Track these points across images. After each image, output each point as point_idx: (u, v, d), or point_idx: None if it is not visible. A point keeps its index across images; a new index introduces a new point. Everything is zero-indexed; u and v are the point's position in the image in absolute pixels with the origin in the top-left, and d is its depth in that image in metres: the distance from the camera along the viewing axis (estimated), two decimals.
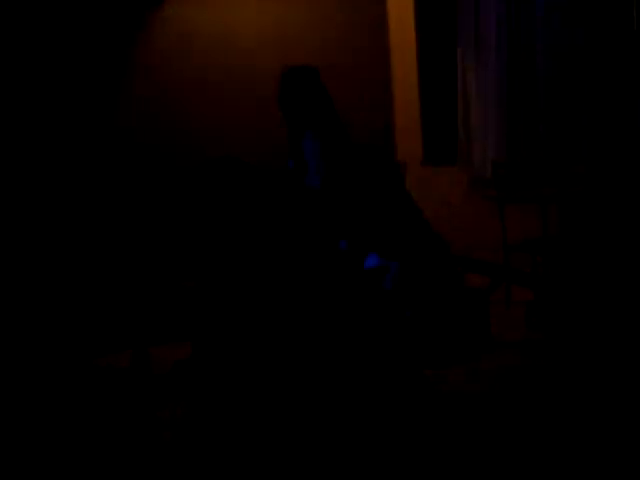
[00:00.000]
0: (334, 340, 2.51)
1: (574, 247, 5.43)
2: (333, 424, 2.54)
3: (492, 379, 4.14)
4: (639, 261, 5.06)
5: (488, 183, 5.93)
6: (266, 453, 2.47)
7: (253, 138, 6.37)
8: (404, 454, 2.90)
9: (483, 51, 6.50)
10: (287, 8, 6.79)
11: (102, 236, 5.80)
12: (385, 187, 3.31)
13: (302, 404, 2.50)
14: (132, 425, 3.67)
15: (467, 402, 3.80)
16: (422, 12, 6.86)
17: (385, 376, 2.61)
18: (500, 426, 3.56)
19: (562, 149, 6.12)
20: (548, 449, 3.32)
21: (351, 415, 2.60)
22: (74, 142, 6.23)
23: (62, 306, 5.03)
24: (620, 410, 3.63)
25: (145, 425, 3.68)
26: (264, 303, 2.54)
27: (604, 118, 5.88)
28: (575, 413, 3.66)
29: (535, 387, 4.00)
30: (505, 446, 3.36)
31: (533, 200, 5.65)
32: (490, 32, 6.44)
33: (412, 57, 6.86)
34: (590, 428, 3.49)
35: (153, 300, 4.80)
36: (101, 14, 6.31)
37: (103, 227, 5.87)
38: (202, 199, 2.97)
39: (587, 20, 5.91)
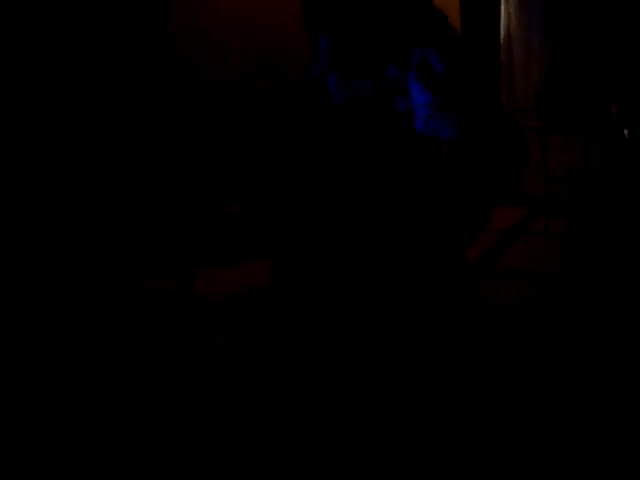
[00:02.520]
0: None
1: (615, 179, 5.37)
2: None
3: (529, 311, 4.15)
4: None
5: (531, 113, 5.86)
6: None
7: None
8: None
9: None
10: None
11: (147, 162, 5.83)
12: None
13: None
14: (177, 346, 3.74)
15: (505, 334, 3.81)
16: None
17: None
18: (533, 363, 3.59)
19: (604, 79, 6.02)
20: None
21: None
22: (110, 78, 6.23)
23: (105, 230, 5.09)
24: None
25: (192, 346, 3.74)
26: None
27: None
28: (609, 352, 3.66)
29: (566, 319, 4.01)
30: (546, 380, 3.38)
31: (575, 131, 5.58)
32: None
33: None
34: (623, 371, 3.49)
35: (196, 224, 4.84)
36: None
37: (147, 155, 5.89)
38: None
39: None
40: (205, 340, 3.80)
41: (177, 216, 4.88)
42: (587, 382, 3.32)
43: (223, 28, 6.62)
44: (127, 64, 6.22)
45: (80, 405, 3.26)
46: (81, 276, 4.63)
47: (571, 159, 5.55)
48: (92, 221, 5.08)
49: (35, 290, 4.38)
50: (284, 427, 2.18)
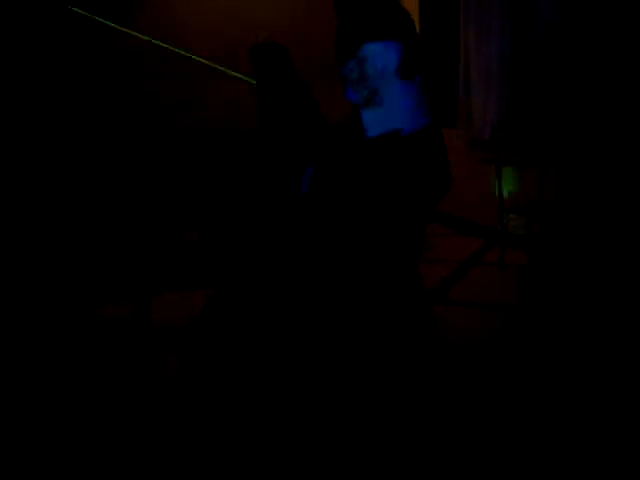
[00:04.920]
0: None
1: (570, 211, 5.48)
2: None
3: (481, 341, 4.20)
4: (635, 226, 5.11)
5: (487, 145, 5.96)
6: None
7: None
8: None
9: (486, 14, 6.49)
10: None
11: (103, 185, 5.82)
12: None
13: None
14: (133, 375, 3.73)
15: (457, 363, 3.85)
16: None
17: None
18: (487, 387, 3.63)
19: (562, 113, 6.14)
20: (533, 414, 3.39)
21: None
22: (78, 92, 6.24)
23: (62, 255, 5.07)
24: (608, 379, 3.69)
25: (147, 375, 3.74)
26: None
27: (605, 85, 5.89)
28: (562, 379, 3.72)
29: (524, 351, 4.06)
30: (489, 411, 3.42)
31: (531, 164, 5.69)
32: None
33: (414, 18, 6.84)
34: (576, 396, 3.55)
35: (154, 251, 4.84)
36: None
37: (104, 178, 5.88)
38: None
39: None
40: (158, 366, 3.80)
41: (134, 242, 4.88)
42: (530, 408, 3.38)
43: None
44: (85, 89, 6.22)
45: (33, 432, 3.24)
46: (37, 302, 4.60)
47: (526, 191, 5.65)
48: (48, 247, 5.06)
49: None
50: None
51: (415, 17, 6.80)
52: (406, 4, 6.79)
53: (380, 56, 2.93)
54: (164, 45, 6.40)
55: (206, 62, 6.49)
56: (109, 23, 6.18)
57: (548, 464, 2.97)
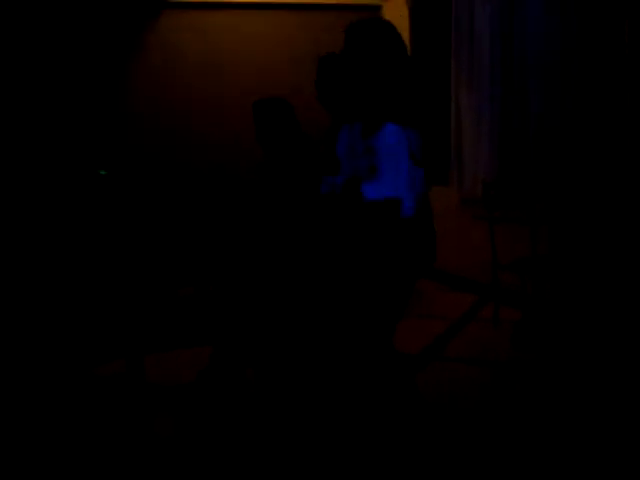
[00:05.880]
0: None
1: (563, 267, 5.49)
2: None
3: (476, 397, 4.18)
4: (629, 281, 5.13)
5: (479, 203, 5.99)
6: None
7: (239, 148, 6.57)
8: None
9: (476, 72, 6.58)
10: (276, 29, 6.93)
11: (97, 243, 5.82)
12: None
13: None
14: (127, 433, 3.70)
15: (450, 419, 3.83)
16: (416, 34, 6.96)
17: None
18: (484, 442, 3.60)
19: (552, 170, 6.20)
20: (534, 467, 3.37)
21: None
22: (72, 147, 6.28)
23: (57, 315, 5.04)
24: (609, 430, 3.67)
25: (140, 433, 3.71)
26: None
27: (595, 141, 5.96)
28: (560, 434, 3.70)
29: (519, 407, 4.04)
30: (489, 463, 3.39)
31: (523, 220, 5.71)
32: (484, 54, 6.52)
33: None
34: (577, 449, 3.52)
35: (148, 308, 4.82)
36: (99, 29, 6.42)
37: (98, 234, 5.89)
38: None
39: (580, 47, 5.99)
40: (151, 426, 3.77)
41: (129, 299, 4.88)
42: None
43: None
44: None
45: None
46: (34, 361, 4.57)
47: (519, 248, 5.66)
48: (42, 306, 5.04)
49: None
50: None
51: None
52: None
53: (393, 136, 2.96)
54: None
55: None
56: None
57: None
